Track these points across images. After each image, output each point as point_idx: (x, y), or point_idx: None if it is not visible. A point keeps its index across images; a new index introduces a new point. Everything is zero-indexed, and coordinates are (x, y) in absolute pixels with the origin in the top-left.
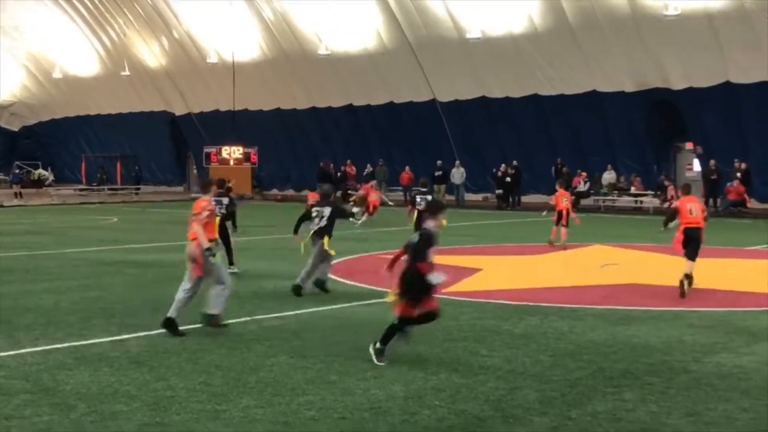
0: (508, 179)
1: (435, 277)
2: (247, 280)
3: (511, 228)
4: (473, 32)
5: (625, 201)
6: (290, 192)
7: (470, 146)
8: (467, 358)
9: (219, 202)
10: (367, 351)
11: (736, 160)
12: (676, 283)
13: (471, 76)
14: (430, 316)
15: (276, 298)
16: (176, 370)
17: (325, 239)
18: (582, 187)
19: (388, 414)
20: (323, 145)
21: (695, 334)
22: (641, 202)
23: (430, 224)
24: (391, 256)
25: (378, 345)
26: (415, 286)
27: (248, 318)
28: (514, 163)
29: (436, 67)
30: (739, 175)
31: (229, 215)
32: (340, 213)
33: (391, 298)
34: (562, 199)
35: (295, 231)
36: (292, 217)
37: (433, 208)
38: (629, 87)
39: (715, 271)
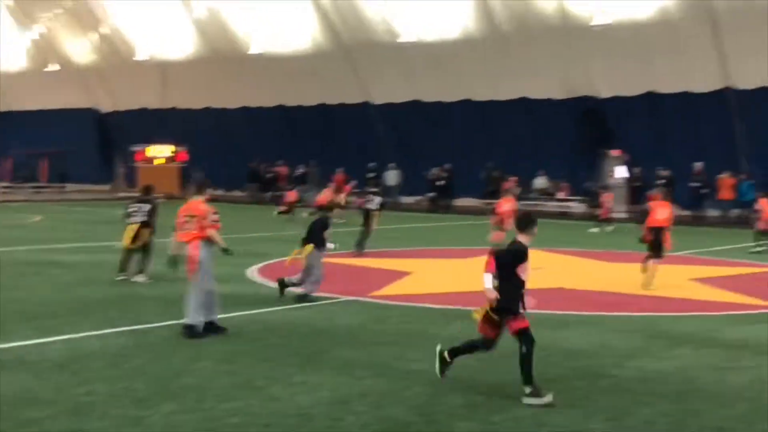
0: (441, 183)
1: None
2: (174, 283)
3: (442, 231)
4: (407, 36)
5: (553, 206)
6: (220, 192)
7: (403, 149)
8: (394, 363)
9: (140, 209)
10: (296, 356)
11: (657, 168)
12: (601, 288)
13: (405, 80)
14: (527, 336)
15: None
16: (98, 375)
17: (307, 247)
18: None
19: (314, 420)
20: (254, 145)
21: (618, 339)
22: (568, 207)
23: (522, 239)
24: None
25: (526, 389)
26: (508, 303)
27: (174, 321)
28: (447, 166)
29: (369, 70)
30: (661, 182)
31: (149, 221)
32: (320, 228)
33: (476, 315)
34: (505, 204)
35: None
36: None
37: (523, 222)
38: (558, 94)
39: (636, 276)
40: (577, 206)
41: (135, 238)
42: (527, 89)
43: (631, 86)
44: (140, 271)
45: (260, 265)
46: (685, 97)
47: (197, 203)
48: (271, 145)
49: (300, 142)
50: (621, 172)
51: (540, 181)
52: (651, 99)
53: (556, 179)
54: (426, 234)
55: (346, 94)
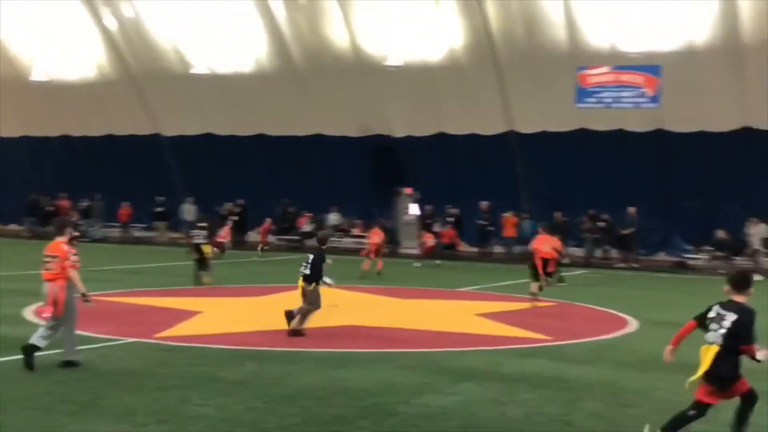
0: (234, 218)
1: (762, 354)
2: None
3: (233, 268)
4: (200, 68)
5: (348, 242)
6: None
7: (195, 183)
8: (178, 408)
9: None
10: (70, 403)
11: (446, 206)
12: (392, 325)
13: (197, 112)
14: (753, 398)
15: None
16: None
17: (312, 286)
18: (307, 227)
19: None
20: (36, 176)
21: (406, 375)
22: (363, 244)
23: (739, 299)
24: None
25: None
26: (732, 370)
27: None
28: (240, 201)
29: (160, 101)
30: (451, 219)
31: None
32: (319, 261)
33: (692, 380)
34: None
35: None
36: None
37: (743, 283)
38: (354, 132)
39: (425, 313)
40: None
41: None
42: (322, 126)
43: (422, 126)
44: None
45: (38, 304)
46: (473, 138)
47: (58, 244)
48: (54, 177)
49: (85, 174)
50: (414, 209)
51: (333, 218)
52: (441, 139)
53: (351, 216)
54: (218, 271)
55: (136, 125)
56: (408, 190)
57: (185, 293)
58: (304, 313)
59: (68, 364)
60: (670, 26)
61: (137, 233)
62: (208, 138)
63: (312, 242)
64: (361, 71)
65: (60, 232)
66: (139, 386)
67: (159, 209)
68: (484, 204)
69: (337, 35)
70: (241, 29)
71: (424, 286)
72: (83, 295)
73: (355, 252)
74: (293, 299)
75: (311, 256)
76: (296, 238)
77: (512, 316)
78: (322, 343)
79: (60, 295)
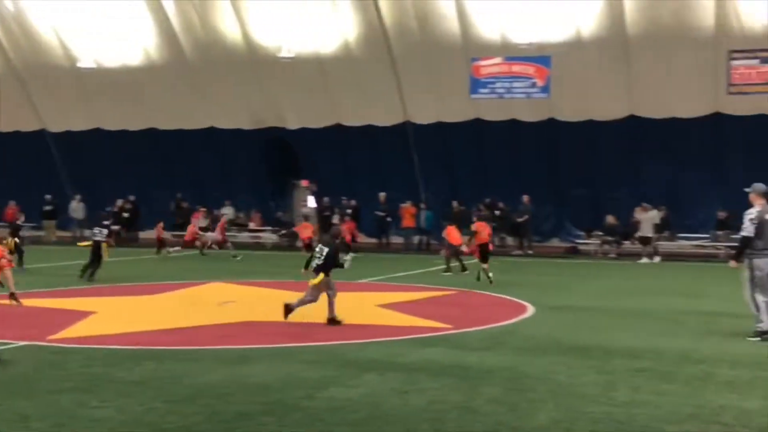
0: (125, 215)
1: None
2: None
3: (128, 266)
4: (86, 61)
5: (245, 237)
6: None
7: (84, 180)
8: (75, 411)
9: None
10: None
11: (344, 198)
12: (291, 319)
13: (84, 107)
14: None
15: None
16: None
17: (320, 276)
18: (202, 222)
19: None
20: None
21: (308, 370)
22: (260, 237)
23: None
24: None
25: None
26: None
27: None
28: (131, 198)
29: (45, 96)
30: (349, 211)
31: None
32: (334, 256)
33: None
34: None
35: (306, 266)
36: None
37: None
38: (247, 124)
39: (325, 306)
40: (269, 236)
41: None
42: (214, 119)
43: (318, 118)
44: None
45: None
46: (369, 130)
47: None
48: None
49: None
50: (311, 202)
51: (227, 211)
52: (337, 131)
53: (247, 209)
54: (111, 269)
55: (20, 122)
56: (304, 183)
57: (77, 293)
58: (331, 301)
59: None
60: (558, 18)
61: (25, 233)
62: (97, 133)
63: (325, 237)
64: (253, 63)
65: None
66: (32, 391)
67: (47, 207)
68: (381, 195)
69: (229, 27)
70: (128, 21)
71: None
72: (11, 294)
73: (253, 247)
74: (190, 296)
75: (326, 249)
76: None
77: (412, 306)
78: (221, 340)
79: None
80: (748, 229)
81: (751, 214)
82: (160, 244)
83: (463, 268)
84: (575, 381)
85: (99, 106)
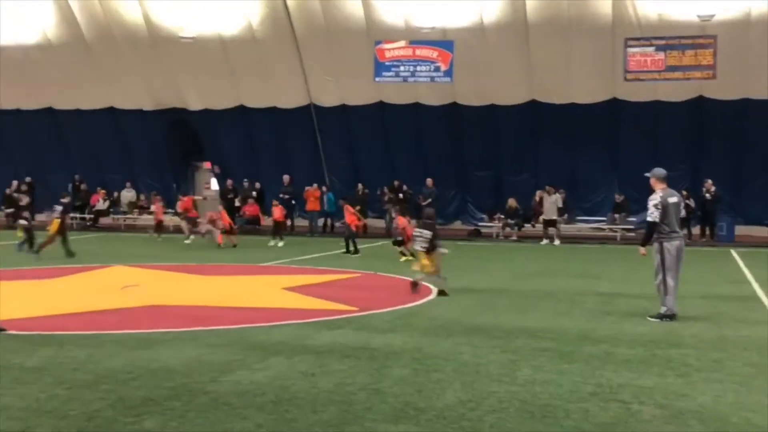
0: (20, 198)
1: None
2: None
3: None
4: None
5: (146, 219)
6: None
7: None
8: None
9: None
10: None
11: (246, 180)
12: (196, 303)
13: None
14: None
15: None
16: None
17: (421, 255)
18: (101, 205)
19: None
20: None
21: (213, 353)
22: (162, 220)
23: None
24: None
25: None
26: None
27: None
28: (27, 179)
29: None
30: (254, 194)
31: None
32: (436, 235)
33: None
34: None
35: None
36: None
37: None
38: (148, 105)
39: (231, 289)
40: (171, 219)
41: None
42: (114, 99)
43: (220, 100)
44: None
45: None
46: (273, 112)
47: None
48: None
49: None
50: (214, 184)
51: (128, 194)
52: (241, 112)
53: (148, 191)
54: (5, 253)
55: None
56: (207, 165)
57: None
58: (439, 275)
59: None
60: (462, 3)
61: None
62: None
63: (422, 220)
64: (154, 43)
65: None
66: None
67: None
68: (286, 177)
69: (128, 6)
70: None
71: (227, 262)
72: None
73: (155, 229)
74: (92, 280)
75: (429, 232)
76: (89, 216)
77: (318, 289)
78: (123, 325)
79: None
80: (653, 215)
81: (654, 199)
82: (159, 226)
83: (356, 251)
84: (480, 361)
85: None
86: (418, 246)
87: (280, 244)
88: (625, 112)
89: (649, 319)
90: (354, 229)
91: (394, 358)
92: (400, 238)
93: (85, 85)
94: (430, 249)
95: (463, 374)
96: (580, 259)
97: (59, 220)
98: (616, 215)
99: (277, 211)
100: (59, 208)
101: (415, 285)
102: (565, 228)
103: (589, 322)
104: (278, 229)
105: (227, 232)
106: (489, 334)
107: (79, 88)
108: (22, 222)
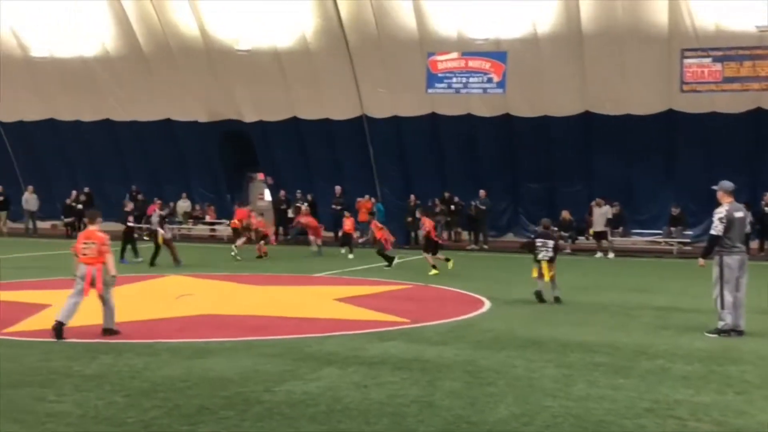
0: (80, 206)
1: None
2: None
3: None
4: (39, 51)
5: (201, 229)
6: None
7: (37, 170)
8: (33, 406)
9: None
10: None
11: (299, 191)
12: (250, 312)
13: (37, 97)
14: None
15: None
16: None
17: (544, 264)
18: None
19: None
20: None
21: (268, 363)
22: (215, 230)
23: None
24: None
25: None
26: None
27: None
28: (86, 189)
29: None
30: (306, 205)
31: None
32: (557, 247)
33: None
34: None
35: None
36: None
37: None
38: (203, 117)
39: (284, 299)
40: (224, 229)
41: None
42: (171, 111)
43: (274, 111)
44: None
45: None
46: (325, 123)
47: (94, 231)
48: None
49: None
50: (268, 195)
51: (183, 205)
52: (294, 124)
53: (203, 202)
54: (64, 262)
55: None
56: (261, 176)
57: (31, 286)
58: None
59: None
60: (515, 14)
61: None
62: (50, 123)
63: (544, 231)
64: (209, 56)
65: (93, 220)
66: None
67: None
68: (338, 188)
69: (185, 19)
70: (83, 12)
71: (279, 273)
72: (113, 276)
73: (210, 239)
74: (148, 289)
75: (551, 242)
76: (147, 226)
77: (370, 300)
78: (179, 334)
79: (99, 276)
80: (717, 228)
81: (720, 213)
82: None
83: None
84: (533, 375)
85: (53, 97)
86: (543, 255)
87: (350, 255)
88: (682, 123)
89: (706, 334)
90: (384, 243)
91: (446, 371)
92: (385, 251)
93: (142, 97)
94: (553, 258)
95: (516, 388)
96: (635, 273)
97: (158, 230)
98: (672, 228)
99: (348, 223)
100: (156, 219)
101: (539, 295)
102: (620, 241)
103: (645, 337)
104: (347, 240)
105: (263, 239)
106: (543, 348)
107: (136, 100)
108: (161, 232)
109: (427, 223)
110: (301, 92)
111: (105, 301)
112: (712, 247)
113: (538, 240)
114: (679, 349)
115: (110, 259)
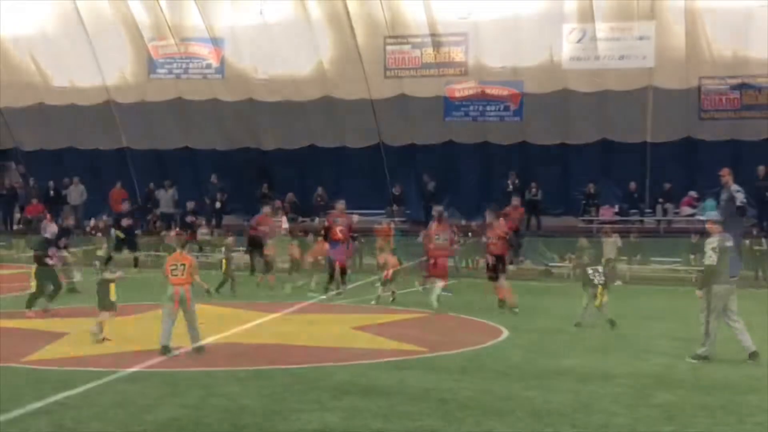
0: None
1: None
2: None
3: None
4: (59, 81)
5: (218, 257)
6: None
7: None
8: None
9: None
10: None
11: (316, 217)
12: (268, 341)
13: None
14: None
15: None
16: None
17: (600, 288)
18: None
19: None
20: None
21: (286, 392)
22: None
23: None
24: None
25: None
26: None
27: None
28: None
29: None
30: (323, 232)
31: None
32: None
33: None
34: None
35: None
36: None
37: None
38: (222, 145)
39: (302, 327)
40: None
41: None
42: (192, 140)
43: (292, 139)
44: None
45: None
46: (342, 150)
47: (184, 254)
48: None
49: None
50: (285, 222)
51: (203, 231)
52: (311, 152)
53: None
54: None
55: None
56: (278, 203)
57: (49, 313)
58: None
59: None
60: (532, 42)
61: None
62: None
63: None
64: (228, 84)
65: (183, 245)
66: (9, 413)
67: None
68: (355, 217)
69: (203, 50)
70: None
71: (297, 301)
72: (207, 291)
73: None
74: (158, 319)
75: (601, 268)
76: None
77: (387, 328)
78: (197, 363)
79: (188, 295)
80: (711, 258)
81: (712, 243)
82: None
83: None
84: (551, 406)
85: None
86: (598, 280)
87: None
88: (700, 150)
89: (689, 360)
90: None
91: (465, 401)
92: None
93: (165, 128)
94: (606, 283)
95: (535, 416)
96: (653, 301)
97: (226, 259)
98: (692, 256)
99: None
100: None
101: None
102: (637, 269)
103: (664, 366)
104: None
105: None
106: (561, 376)
107: (157, 131)
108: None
109: (503, 225)
110: (318, 120)
111: (190, 322)
112: (709, 277)
113: (589, 268)
114: (700, 379)
115: (200, 279)
